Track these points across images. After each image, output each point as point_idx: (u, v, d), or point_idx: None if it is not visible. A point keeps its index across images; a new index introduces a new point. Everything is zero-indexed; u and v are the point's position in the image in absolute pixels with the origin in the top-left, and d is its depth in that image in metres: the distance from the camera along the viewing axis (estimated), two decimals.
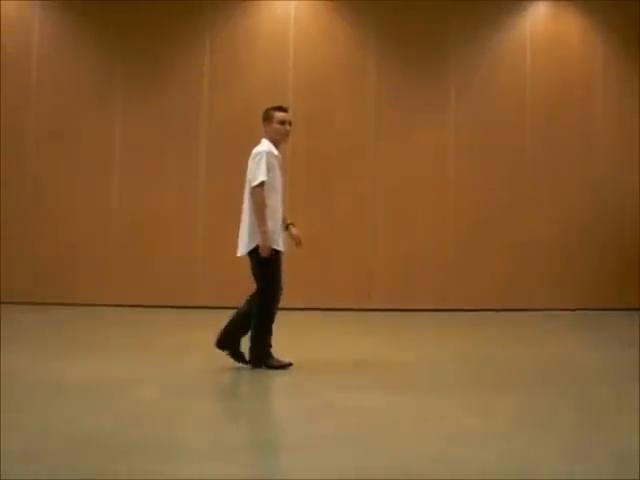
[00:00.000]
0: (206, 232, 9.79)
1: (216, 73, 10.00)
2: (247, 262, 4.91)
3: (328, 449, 2.96)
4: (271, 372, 4.77)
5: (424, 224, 10.02)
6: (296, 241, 5.16)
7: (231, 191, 9.86)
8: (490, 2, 10.34)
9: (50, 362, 5.04)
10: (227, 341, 4.93)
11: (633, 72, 10.51)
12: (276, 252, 4.89)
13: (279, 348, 5.32)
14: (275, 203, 4.94)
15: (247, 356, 4.89)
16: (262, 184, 4.83)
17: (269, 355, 4.88)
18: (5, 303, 9.15)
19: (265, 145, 4.98)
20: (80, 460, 2.72)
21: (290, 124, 5.10)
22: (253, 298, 4.92)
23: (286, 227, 5.12)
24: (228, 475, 2.58)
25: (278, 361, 4.87)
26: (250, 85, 9.97)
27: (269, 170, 4.87)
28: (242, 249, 4.96)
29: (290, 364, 4.88)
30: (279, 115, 5.06)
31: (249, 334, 4.88)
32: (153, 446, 2.94)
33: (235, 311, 5.00)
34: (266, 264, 4.84)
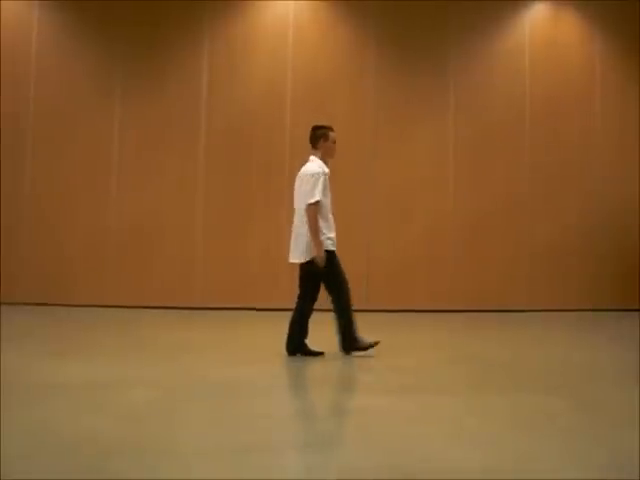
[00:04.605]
0: (205, 232, 9.79)
1: (215, 73, 10.00)
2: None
3: (329, 449, 2.96)
4: (271, 372, 4.76)
5: (423, 225, 10.03)
6: None
7: (230, 191, 9.95)
8: (489, 3, 10.37)
9: (49, 362, 5.03)
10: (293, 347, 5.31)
11: (631, 72, 10.54)
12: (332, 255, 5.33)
13: (278, 348, 5.32)
14: (330, 219, 5.34)
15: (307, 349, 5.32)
16: (317, 203, 5.19)
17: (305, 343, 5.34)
18: (5, 304, 9.15)
19: (319, 165, 5.31)
20: (79, 460, 2.72)
21: None
22: (300, 299, 5.32)
23: None
24: (228, 475, 2.58)
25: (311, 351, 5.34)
26: (249, 85, 9.98)
27: (324, 189, 5.25)
28: (298, 256, 5.35)
29: (321, 353, 5.35)
30: (334, 135, 5.44)
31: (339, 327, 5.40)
32: (152, 446, 2.94)
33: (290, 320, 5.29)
34: (329, 267, 5.28)
